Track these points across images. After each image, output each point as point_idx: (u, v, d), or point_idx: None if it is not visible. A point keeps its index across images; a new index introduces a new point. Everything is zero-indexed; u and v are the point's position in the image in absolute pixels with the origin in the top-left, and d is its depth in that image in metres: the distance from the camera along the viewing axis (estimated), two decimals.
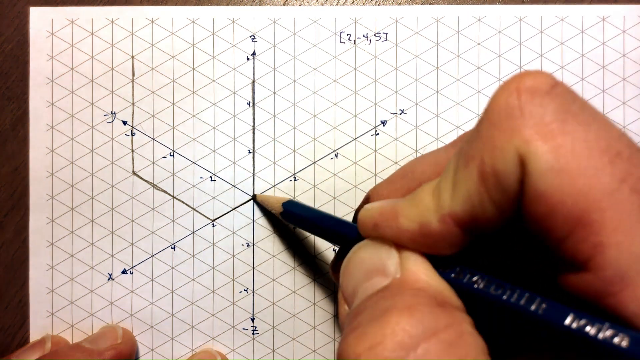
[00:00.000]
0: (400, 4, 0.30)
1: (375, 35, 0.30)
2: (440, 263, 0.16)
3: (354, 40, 0.30)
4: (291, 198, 0.27)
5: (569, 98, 0.14)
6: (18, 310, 0.30)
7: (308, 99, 0.30)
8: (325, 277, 0.30)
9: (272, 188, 0.30)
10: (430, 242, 0.15)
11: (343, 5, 0.30)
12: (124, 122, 0.30)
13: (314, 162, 0.30)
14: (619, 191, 0.12)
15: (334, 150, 0.30)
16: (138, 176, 0.30)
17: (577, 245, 0.13)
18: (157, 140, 0.30)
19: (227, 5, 0.30)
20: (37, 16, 0.30)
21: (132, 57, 0.30)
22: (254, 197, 0.29)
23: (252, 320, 0.30)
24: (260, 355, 0.30)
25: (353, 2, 0.30)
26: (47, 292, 0.30)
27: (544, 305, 0.13)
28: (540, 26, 0.30)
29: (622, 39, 0.30)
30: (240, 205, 0.30)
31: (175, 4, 0.30)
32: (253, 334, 0.30)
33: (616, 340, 0.12)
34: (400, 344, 0.13)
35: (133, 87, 0.30)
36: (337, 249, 0.24)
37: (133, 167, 0.30)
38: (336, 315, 0.29)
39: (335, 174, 0.30)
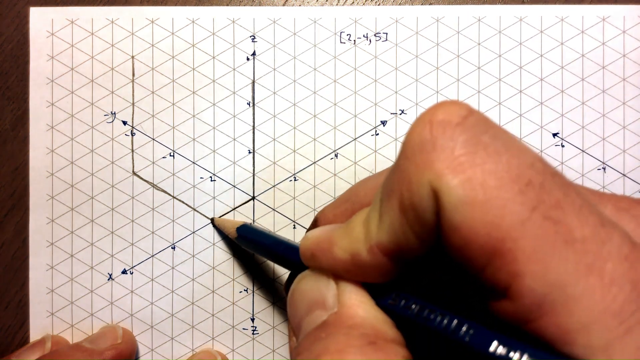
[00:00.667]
0: (400, 4, 0.30)
1: (375, 35, 0.30)
2: (378, 290, 0.16)
3: (354, 41, 0.30)
4: (247, 222, 0.28)
5: (481, 128, 0.14)
6: (18, 310, 0.30)
7: (308, 99, 0.30)
8: None
9: (272, 188, 0.30)
10: (363, 272, 0.16)
11: (343, 5, 0.30)
12: (124, 122, 0.30)
13: (314, 162, 0.30)
14: (530, 220, 0.12)
15: (334, 150, 0.30)
16: (138, 176, 0.30)
17: (495, 274, 0.13)
18: (157, 140, 0.30)
19: (227, 5, 0.30)
20: (37, 16, 0.30)
21: (132, 57, 0.30)
22: (212, 221, 0.29)
23: (252, 320, 0.30)
24: (260, 355, 0.30)
25: (353, 2, 0.30)
26: (47, 292, 0.30)
27: (471, 331, 0.14)
28: (540, 26, 0.30)
29: (622, 39, 0.30)
30: (240, 205, 0.30)
31: (175, 4, 0.30)
32: (253, 334, 0.30)
33: None
34: None
35: (133, 87, 0.30)
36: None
37: (133, 167, 0.30)
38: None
39: (335, 174, 0.30)
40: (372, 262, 0.15)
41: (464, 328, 0.14)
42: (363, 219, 0.16)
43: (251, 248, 0.27)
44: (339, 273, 0.17)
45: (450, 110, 0.14)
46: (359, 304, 0.16)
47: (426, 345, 0.15)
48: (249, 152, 0.30)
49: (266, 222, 0.30)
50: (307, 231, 0.21)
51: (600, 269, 0.12)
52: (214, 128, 0.30)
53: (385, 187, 0.15)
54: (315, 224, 0.21)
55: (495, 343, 0.13)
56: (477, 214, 0.13)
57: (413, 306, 0.15)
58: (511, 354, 0.13)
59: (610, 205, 0.15)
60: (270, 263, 0.30)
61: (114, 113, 0.30)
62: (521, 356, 0.12)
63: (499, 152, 0.13)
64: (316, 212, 0.29)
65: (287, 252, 0.22)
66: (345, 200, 0.20)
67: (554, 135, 0.30)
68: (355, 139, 0.30)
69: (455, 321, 0.14)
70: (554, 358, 0.12)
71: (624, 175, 0.30)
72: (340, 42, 0.30)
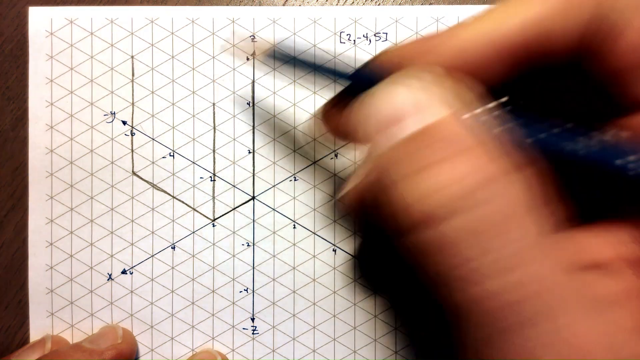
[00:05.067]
0: (400, 4, 0.30)
1: (375, 35, 0.30)
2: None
3: (354, 40, 0.30)
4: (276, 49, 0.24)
5: None
6: (18, 310, 0.30)
7: (308, 99, 0.30)
8: (325, 277, 0.30)
9: (272, 188, 0.30)
10: (484, 61, 0.13)
11: (343, 5, 0.30)
12: (124, 122, 0.30)
13: (314, 162, 0.30)
14: None
15: (334, 150, 0.30)
16: (138, 176, 0.30)
17: None
18: (157, 140, 0.30)
19: (227, 5, 0.30)
20: (37, 16, 0.30)
21: (132, 57, 0.30)
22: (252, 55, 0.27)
23: (252, 320, 0.30)
24: (260, 355, 0.30)
25: (353, 2, 0.30)
26: (47, 292, 0.30)
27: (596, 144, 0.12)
28: None
29: None
30: (240, 205, 0.30)
31: (175, 4, 0.30)
32: (253, 334, 0.30)
33: None
34: (472, 182, 0.11)
35: (133, 87, 0.30)
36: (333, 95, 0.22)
37: (133, 167, 0.30)
38: (336, 316, 0.29)
39: (335, 174, 0.30)
40: (488, 55, 0.13)
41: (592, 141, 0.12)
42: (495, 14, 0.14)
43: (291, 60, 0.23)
44: (450, 63, 0.14)
45: None
46: (454, 113, 0.13)
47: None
48: (249, 152, 0.30)
49: (266, 222, 0.30)
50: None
51: None
52: (214, 128, 0.30)
53: None
54: (379, 56, 0.17)
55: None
56: None
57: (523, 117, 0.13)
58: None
59: None
60: (270, 263, 0.30)
61: (114, 113, 0.30)
62: None
63: None
64: (316, 212, 0.29)
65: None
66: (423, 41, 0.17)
67: None
68: None
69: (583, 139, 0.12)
70: None
71: None
72: (340, 42, 0.30)
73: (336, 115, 0.18)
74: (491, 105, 0.13)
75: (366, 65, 0.18)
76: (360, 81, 0.16)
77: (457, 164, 0.12)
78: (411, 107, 0.13)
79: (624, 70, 0.12)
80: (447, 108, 0.13)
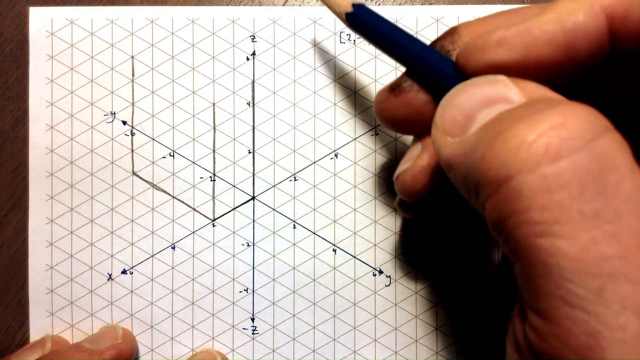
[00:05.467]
0: (400, 4, 0.30)
1: None
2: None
3: (354, 40, 0.30)
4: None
5: None
6: (18, 310, 0.30)
7: (308, 99, 0.30)
8: (325, 277, 0.30)
9: (272, 188, 0.30)
10: (570, 42, 0.13)
11: None
12: (124, 122, 0.30)
13: (314, 162, 0.30)
14: None
15: (334, 150, 0.30)
16: (138, 176, 0.30)
17: None
18: (157, 140, 0.30)
19: (227, 5, 0.30)
20: (37, 16, 0.30)
21: (132, 57, 0.30)
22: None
23: (252, 320, 0.30)
24: (260, 355, 0.30)
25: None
26: (47, 292, 0.30)
27: None
28: None
29: None
30: (240, 205, 0.30)
31: (175, 4, 0.30)
32: (253, 334, 0.30)
33: None
34: (585, 127, 0.12)
35: (133, 87, 0.30)
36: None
37: (133, 167, 0.30)
38: (336, 316, 0.29)
39: (335, 174, 0.30)
40: (590, 23, 0.13)
41: None
42: None
43: (368, 32, 0.22)
44: (536, 46, 0.14)
45: None
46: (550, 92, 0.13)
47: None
48: (249, 152, 0.30)
49: (266, 222, 0.30)
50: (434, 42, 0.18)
51: None
52: (214, 128, 0.30)
53: None
54: (446, 35, 0.18)
55: None
56: None
57: None
58: None
59: None
60: (270, 263, 0.30)
61: (114, 113, 0.30)
62: None
63: None
64: (316, 212, 0.29)
65: (429, 57, 0.18)
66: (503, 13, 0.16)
67: None
68: (355, 139, 0.30)
69: None
70: None
71: None
72: (340, 42, 0.30)
73: (399, 101, 0.18)
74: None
75: (434, 50, 0.18)
76: (430, 69, 0.17)
77: (559, 118, 0.12)
78: (497, 98, 0.14)
79: None
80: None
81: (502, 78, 0.14)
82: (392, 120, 0.19)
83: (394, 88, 0.19)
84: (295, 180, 0.30)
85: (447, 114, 0.15)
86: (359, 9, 0.22)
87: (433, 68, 0.18)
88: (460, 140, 0.14)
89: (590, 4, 0.13)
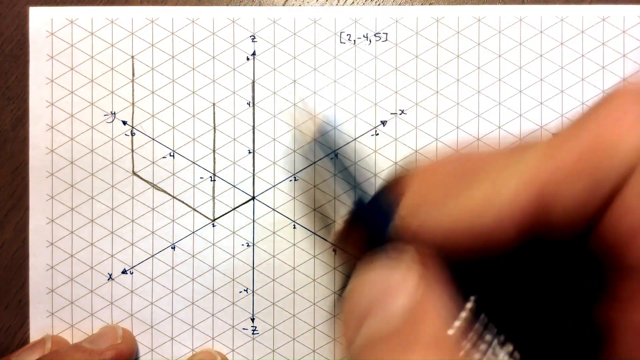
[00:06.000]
0: (400, 4, 0.30)
1: (375, 35, 0.30)
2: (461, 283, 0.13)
3: (354, 41, 0.30)
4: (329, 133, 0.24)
5: None
6: (18, 310, 0.30)
7: (308, 99, 0.30)
8: (325, 277, 0.30)
9: (272, 188, 0.30)
10: (480, 232, 0.12)
11: (343, 5, 0.30)
12: (124, 122, 0.30)
13: (314, 162, 0.30)
14: None
15: (334, 151, 0.30)
16: (138, 176, 0.30)
17: None
18: (157, 140, 0.30)
19: (227, 5, 0.30)
20: (37, 16, 0.30)
21: (132, 57, 0.30)
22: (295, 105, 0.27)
23: (252, 320, 0.30)
24: (260, 355, 0.30)
25: (353, 2, 0.30)
26: (47, 292, 0.30)
27: None
28: (540, 26, 0.30)
29: (622, 39, 0.30)
30: (240, 205, 0.30)
31: (175, 4, 0.30)
32: (253, 334, 0.30)
33: None
34: None
35: (133, 87, 0.30)
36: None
37: (133, 167, 0.30)
38: (336, 315, 0.29)
39: (335, 174, 0.30)
40: (505, 213, 0.12)
41: None
42: (503, 158, 0.12)
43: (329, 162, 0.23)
44: (451, 229, 0.13)
45: None
46: (440, 311, 0.12)
47: None
48: (249, 152, 0.30)
49: (266, 222, 0.30)
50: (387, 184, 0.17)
51: None
52: (214, 128, 0.30)
53: (572, 126, 0.12)
54: (397, 183, 0.16)
55: None
56: None
57: (480, 328, 0.13)
58: None
59: None
60: (270, 263, 0.30)
61: (114, 113, 0.30)
62: None
63: None
64: (316, 213, 0.29)
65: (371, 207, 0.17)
66: (454, 160, 0.15)
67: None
68: (355, 139, 0.30)
69: None
70: None
71: None
72: (340, 42, 0.30)
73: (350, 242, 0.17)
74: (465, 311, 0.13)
75: (380, 195, 0.17)
76: (370, 212, 0.16)
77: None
78: (387, 302, 0.13)
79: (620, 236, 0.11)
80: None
81: (405, 266, 0.13)
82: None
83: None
84: (295, 180, 0.30)
85: (345, 312, 0.14)
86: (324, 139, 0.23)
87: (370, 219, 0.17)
88: (348, 348, 0.13)
89: (520, 180, 0.12)
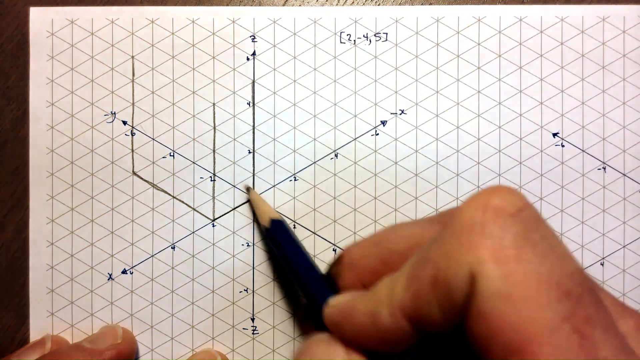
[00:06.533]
0: (400, 4, 0.30)
1: (375, 35, 0.30)
2: None
3: (354, 41, 0.30)
4: (283, 220, 0.27)
5: (533, 225, 0.14)
6: (18, 310, 0.30)
7: (308, 99, 0.30)
8: None
9: (272, 188, 0.30)
10: (383, 337, 0.16)
11: (343, 5, 0.30)
12: (124, 122, 0.30)
13: (314, 162, 0.30)
14: (560, 329, 0.12)
15: (334, 150, 0.30)
16: (138, 176, 0.30)
17: None
18: (157, 140, 0.30)
19: (227, 5, 0.30)
20: (37, 16, 0.30)
21: (132, 57, 0.30)
22: (247, 190, 0.29)
23: (252, 320, 0.30)
24: (260, 355, 0.30)
25: (353, 2, 0.30)
26: (47, 292, 0.30)
27: None
28: (540, 26, 0.30)
29: (622, 39, 0.30)
30: (240, 205, 0.30)
31: (175, 4, 0.30)
32: (253, 334, 0.30)
33: None
34: None
35: (133, 87, 0.30)
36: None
37: (133, 167, 0.30)
38: None
39: (335, 174, 0.30)
40: (392, 326, 0.15)
41: None
42: (388, 282, 0.16)
43: (276, 250, 0.27)
44: (360, 340, 0.17)
45: (507, 199, 0.14)
46: None
47: None
48: (249, 152, 0.30)
49: None
50: (329, 266, 0.22)
51: None
52: (214, 128, 0.30)
53: (421, 255, 0.15)
54: (339, 261, 0.21)
55: None
56: (510, 309, 0.13)
57: None
58: None
59: (632, 322, 0.15)
60: (270, 263, 0.30)
61: (114, 113, 0.30)
62: None
63: (545, 254, 0.13)
64: (316, 212, 0.29)
65: (312, 289, 0.22)
66: (375, 243, 0.20)
67: (554, 135, 0.30)
68: (355, 139, 0.30)
69: None
70: None
71: (624, 175, 0.30)
72: (340, 42, 0.30)
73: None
74: None
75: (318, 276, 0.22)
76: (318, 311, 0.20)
77: None
78: None
79: (491, 351, 0.13)
80: None
81: (338, 351, 0.17)
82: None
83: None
84: (295, 180, 0.30)
85: None
86: (276, 224, 0.26)
87: (309, 292, 0.22)
88: None
89: (391, 308, 0.15)
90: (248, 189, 0.29)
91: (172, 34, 0.30)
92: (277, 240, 0.26)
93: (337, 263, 0.21)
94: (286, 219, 0.29)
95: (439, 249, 0.14)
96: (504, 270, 0.13)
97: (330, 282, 0.21)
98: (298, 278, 0.23)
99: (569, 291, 0.13)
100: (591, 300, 0.13)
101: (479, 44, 0.30)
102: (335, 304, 0.18)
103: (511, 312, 0.13)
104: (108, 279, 0.30)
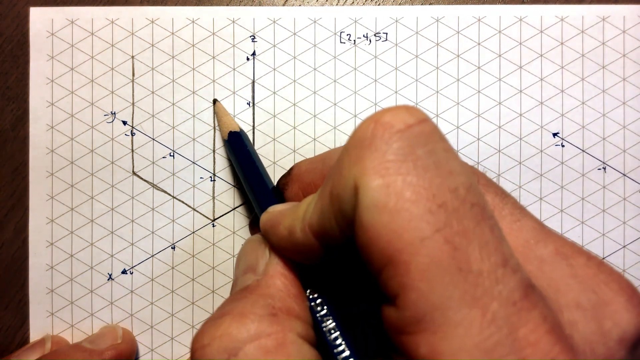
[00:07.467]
0: (400, 4, 0.30)
1: (375, 35, 0.30)
2: (306, 279, 0.18)
3: (354, 40, 0.30)
4: (242, 132, 0.28)
5: (421, 141, 0.14)
6: (18, 310, 0.30)
7: (308, 99, 0.30)
8: None
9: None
10: (297, 250, 0.17)
11: (343, 5, 0.30)
12: (124, 122, 0.30)
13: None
14: (431, 239, 0.13)
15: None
16: (138, 176, 0.30)
17: (387, 280, 0.13)
18: (157, 140, 0.30)
19: (227, 5, 0.30)
20: (37, 16, 0.30)
21: (132, 57, 0.30)
22: (214, 102, 0.29)
23: None
24: None
25: (353, 2, 0.30)
26: (47, 292, 0.30)
27: (345, 353, 0.16)
28: (540, 26, 0.30)
29: (622, 39, 0.30)
30: (240, 205, 0.30)
31: (175, 4, 0.30)
32: None
33: None
34: (224, 347, 0.15)
35: (133, 87, 0.30)
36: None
37: (133, 167, 0.30)
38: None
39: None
40: (303, 241, 0.16)
41: (340, 346, 0.16)
42: (309, 199, 0.17)
43: (233, 161, 0.27)
44: (281, 249, 0.18)
45: (399, 115, 0.14)
46: (279, 277, 0.17)
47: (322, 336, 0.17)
48: None
49: None
50: (280, 177, 0.23)
51: (485, 305, 0.12)
52: (213, 128, 0.30)
53: (327, 174, 0.16)
54: (289, 173, 0.22)
55: None
56: (384, 219, 0.13)
57: (319, 308, 0.17)
58: None
59: (551, 247, 0.16)
60: None
61: (114, 113, 0.30)
62: None
63: (427, 168, 0.13)
64: None
65: (259, 195, 0.23)
66: (321, 159, 0.21)
67: (554, 135, 0.30)
68: None
69: (337, 334, 0.17)
70: None
71: (624, 175, 0.30)
72: (340, 42, 0.30)
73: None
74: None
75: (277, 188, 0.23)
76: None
77: (233, 322, 0.16)
78: (251, 266, 0.19)
79: (370, 261, 0.14)
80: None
81: (263, 247, 0.19)
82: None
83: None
84: None
85: (235, 267, 0.20)
86: (233, 135, 0.27)
87: (256, 200, 0.23)
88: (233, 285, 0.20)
89: (302, 225, 0.16)
90: (215, 101, 0.29)
91: (172, 34, 0.30)
92: (233, 151, 0.27)
93: (286, 175, 0.22)
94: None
95: (335, 165, 0.15)
96: (382, 182, 0.13)
97: (278, 193, 0.23)
98: (249, 187, 0.24)
99: (444, 203, 0.13)
100: (471, 214, 0.13)
101: (479, 44, 0.30)
102: (269, 212, 0.19)
103: (386, 223, 0.13)
104: (108, 279, 0.30)
